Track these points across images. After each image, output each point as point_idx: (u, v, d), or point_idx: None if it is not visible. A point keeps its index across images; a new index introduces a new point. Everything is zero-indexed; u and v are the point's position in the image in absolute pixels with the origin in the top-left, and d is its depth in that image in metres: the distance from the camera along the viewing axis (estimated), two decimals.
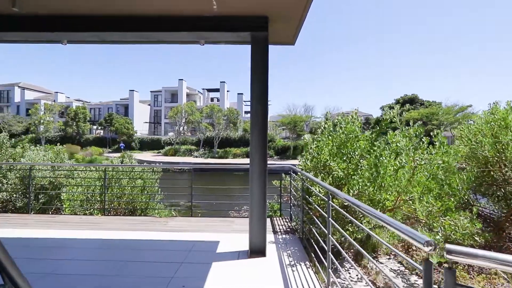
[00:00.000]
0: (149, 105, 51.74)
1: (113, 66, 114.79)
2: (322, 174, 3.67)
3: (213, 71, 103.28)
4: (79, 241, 3.94)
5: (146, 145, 39.69)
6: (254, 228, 3.47)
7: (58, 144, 8.30)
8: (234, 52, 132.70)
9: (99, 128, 42.71)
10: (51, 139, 37.66)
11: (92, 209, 5.82)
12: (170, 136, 39.68)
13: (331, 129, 3.92)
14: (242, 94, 47.66)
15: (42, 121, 36.12)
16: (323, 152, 3.68)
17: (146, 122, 49.87)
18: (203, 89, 52.19)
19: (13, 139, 34.85)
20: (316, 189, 3.31)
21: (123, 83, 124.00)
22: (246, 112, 52.11)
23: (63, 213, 5.89)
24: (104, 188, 5.71)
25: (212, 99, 53.86)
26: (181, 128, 37.13)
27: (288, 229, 4.64)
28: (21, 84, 48.25)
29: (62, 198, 6.10)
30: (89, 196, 6.15)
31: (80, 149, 33.02)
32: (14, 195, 6.12)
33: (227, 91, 50.01)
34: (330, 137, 3.75)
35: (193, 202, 5.72)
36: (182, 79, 47.46)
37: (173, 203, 7.06)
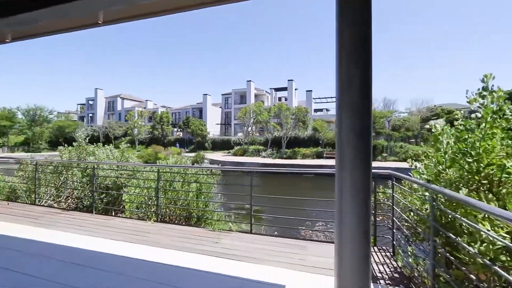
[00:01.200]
0: (220, 107, 54.65)
1: (190, 74, 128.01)
2: (483, 193, 1.88)
3: (282, 69, 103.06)
4: (112, 259, 3.20)
5: (217, 145, 41.71)
6: (346, 272, 1.97)
7: (125, 144, 8.41)
8: (303, 47, 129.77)
9: (179, 130, 47.23)
10: (142, 140, 43.62)
11: (147, 213, 5.32)
12: (239, 136, 40.64)
13: (494, 110, 2.06)
14: (311, 91, 45.22)
15: (136, 125, 42.10)
16: (482, 149, 1.89)
17: (217, 124, 52.79)
18: (271, 88, 51.89)
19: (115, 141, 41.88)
20: (488, 229, 1.58)
21: (199, 88, 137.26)
22: (315, 110, 49.39)
23: (121, 215, 5.58)
24: (157, 191, 5.11)
25: (279, 99, 53.10)
26: (249, 128, 37.43)
27: (395, 273, 2.91)
28: (121, 95, 58.13)
29: (123, 199, 5.84)
30: (146, 198, 5.70)
31: (163, 149, 36.88)
32: (84, 194, 6.19)
33: (295, 89, 48.31)
34: (498, 121, 1.92)
35: (254, 212, 4.55)
36: (250, 81, 48.23)
37: (231, 211, 6.09)
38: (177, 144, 40.63)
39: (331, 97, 46.31)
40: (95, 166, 5.75)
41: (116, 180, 6.00)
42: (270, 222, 6.33)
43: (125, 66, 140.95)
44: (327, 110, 49.93)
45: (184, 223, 5.44)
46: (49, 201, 6.46)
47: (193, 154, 31.01)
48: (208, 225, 4.86)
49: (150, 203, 5.52)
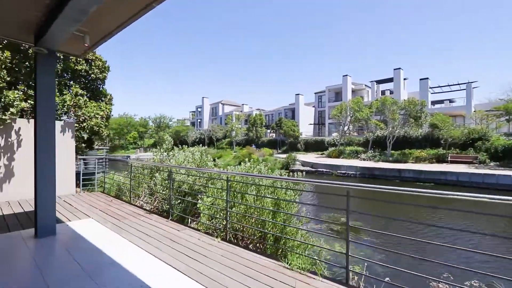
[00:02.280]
0: (313, 106, 52.39)
1: (282, 76, 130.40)
2: None
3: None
4: None
5: (310, 146, 39.84)
6: None
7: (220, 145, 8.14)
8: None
9: (271, 131, 48.06)
10: (239, 142, 46.77)
11: (217, 226, 4.54)
12: (334, 136, 37.45)
13: None
14: (426, 79, 36.72)
15: (233, 128, 45.56)
16: None
17: (310, 124, 50.76)
18: (371, 81, 45.64)
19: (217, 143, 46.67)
20: None
21: (292, 89, 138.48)
22: (433, 102, 40.03)
23: (193, 225, 5.05)
24: (226, 203, 4.24)
25: (383, 92, 46.08)
26: (346, 127, 33.80)
27: None
28: (222, 101, 64.72)
29: (198, 206, 5.34)
30: (217, 210, 4.97)
31: (256, 150, 38.16)
32: (166, 196, 6.10)
33: (404, 79, 40.51)
34: None
35: (351, 251, 2.96)
36: (346, 75, 43.95)
37: (319, 244, 4.56)
38: (253, 145, 41.89)
39: (458, 84, 36.02)
40: (172, 170, 5.47)
41: (192, 185, 5.59)
42: (380, 271, 4.38)
43: (227, 73, 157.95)
44: (451, 101, 39.54)
45: (257, 244, 4.39)
46: (142, 201, 6.76)
47: (284, 155, 30.44)
48: (284, 257, 3.58)
49: (221, 215, 4.75)
